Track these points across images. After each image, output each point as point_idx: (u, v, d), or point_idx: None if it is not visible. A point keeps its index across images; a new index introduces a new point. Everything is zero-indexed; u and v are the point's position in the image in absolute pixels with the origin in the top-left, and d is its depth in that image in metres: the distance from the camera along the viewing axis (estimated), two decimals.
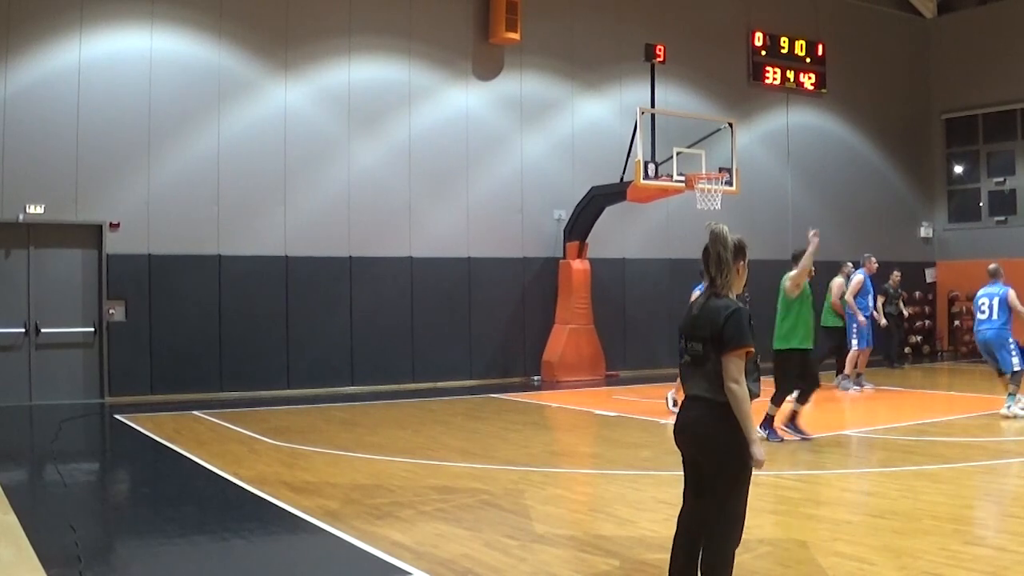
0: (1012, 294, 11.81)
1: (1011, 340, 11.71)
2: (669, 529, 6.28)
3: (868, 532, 6.33)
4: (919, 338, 22.37)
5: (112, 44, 14.28)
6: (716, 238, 4.50)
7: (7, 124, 13.53)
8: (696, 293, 11.87)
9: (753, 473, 4.48)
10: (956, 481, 7.84)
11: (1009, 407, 11.56)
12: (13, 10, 13.60)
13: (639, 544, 6.07)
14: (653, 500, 7.28)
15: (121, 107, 14.27)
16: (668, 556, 4.69)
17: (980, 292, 12.16)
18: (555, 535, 6.40)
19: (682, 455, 4.64)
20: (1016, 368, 11.59)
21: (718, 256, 4.48)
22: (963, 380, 14.99)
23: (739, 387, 4.29)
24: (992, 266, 12.21)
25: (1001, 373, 11.82)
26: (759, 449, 4.37)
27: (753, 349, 4.40)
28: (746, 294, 4.85)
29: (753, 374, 4.43)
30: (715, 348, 4.36)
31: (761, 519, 6.67)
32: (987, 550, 5.78)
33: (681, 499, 4.71)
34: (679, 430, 4.58)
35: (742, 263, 4.60)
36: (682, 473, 4.69)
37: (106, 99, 14.16)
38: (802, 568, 5.49)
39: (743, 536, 4.54)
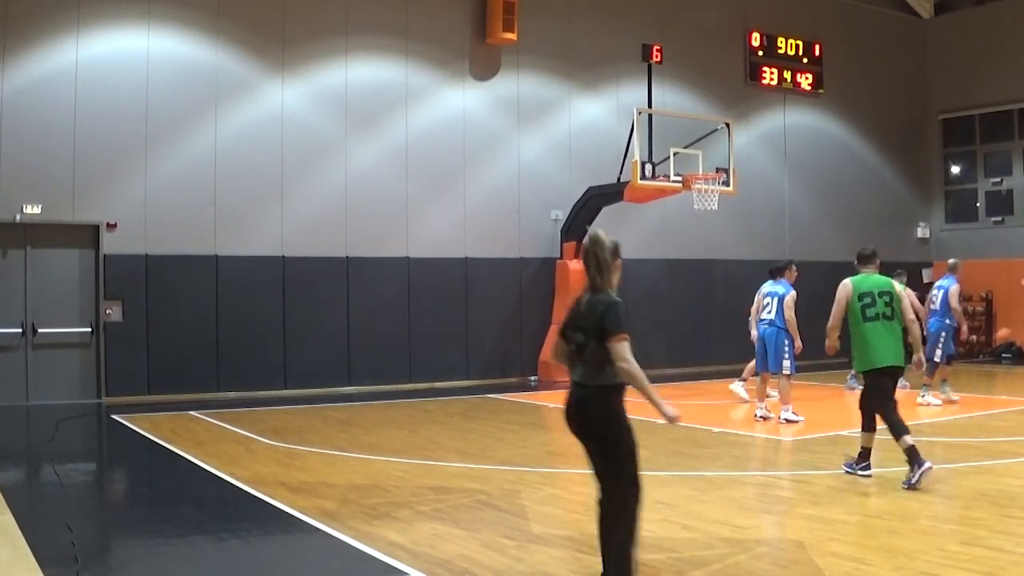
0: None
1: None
2: (665, 529, 6.31)
3: (864, 532, 6.34)
4: None
5: (109, 44, 14.27)
6: (595, 242, 5.03)
7: (4, 124, 13.50)
8: (764, 288, 11.90)
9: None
10: (952, 481, 7.85)
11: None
12: (10, 10, 13.59)
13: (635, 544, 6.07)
14: (649, 500, 7.26)
15: (118, 107, 14.25)
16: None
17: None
18: (552, 535, 6.40)
19: (578, 440, 4.99)
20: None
21: (597, 258, 5.00)
22: (960, 380, 14.97)
23: (629, 364, 4.80)
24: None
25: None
26: (669, 408, 4.85)
27: (627, 337, 4.87)
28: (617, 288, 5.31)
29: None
30: (596, 337, 4.86)
31: (757, 519, 6.68)
32: (984, 550, 5.78)
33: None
34: (566, 415, 5.00)
35: (619, 262, 5.11)
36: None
37: (103, 99, 14.15)
38: (798, 568, 5.50)
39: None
